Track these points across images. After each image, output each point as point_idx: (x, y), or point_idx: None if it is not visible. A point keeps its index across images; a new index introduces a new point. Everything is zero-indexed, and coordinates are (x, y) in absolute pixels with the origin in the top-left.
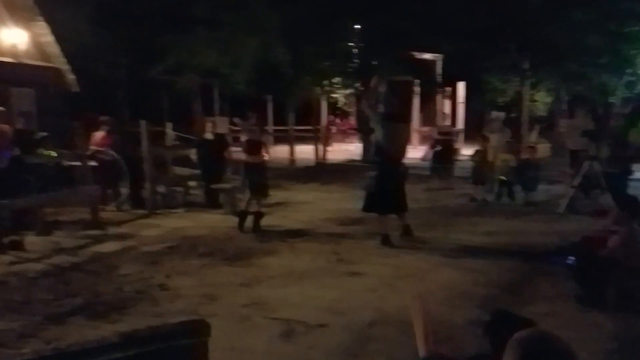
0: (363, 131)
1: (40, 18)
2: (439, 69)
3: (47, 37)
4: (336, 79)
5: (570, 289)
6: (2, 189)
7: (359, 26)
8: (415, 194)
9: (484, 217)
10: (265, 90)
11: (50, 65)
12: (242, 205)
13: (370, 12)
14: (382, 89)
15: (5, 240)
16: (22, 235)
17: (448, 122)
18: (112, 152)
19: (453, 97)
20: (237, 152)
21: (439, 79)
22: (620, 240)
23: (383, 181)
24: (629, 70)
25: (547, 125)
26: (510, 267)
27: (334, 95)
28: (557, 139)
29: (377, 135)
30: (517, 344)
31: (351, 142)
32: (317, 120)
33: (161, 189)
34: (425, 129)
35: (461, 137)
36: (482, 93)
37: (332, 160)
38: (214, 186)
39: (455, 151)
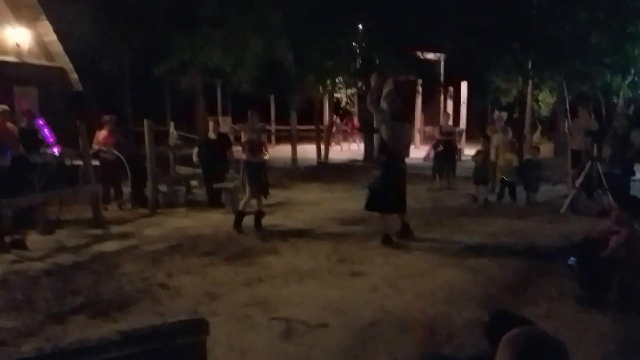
0: (366, 130)
1: (44, 17)
2: (442, 68)
3: (51, 36)
4: (339, 78)
5: (572, 289)
6: (5, 188)
7: (362, 25)
8: (417, 194)
9: (486, 217)
10: (268, 89)
11: (53, 64)
12: (240, 206)
13: (374, 11)
14: (389, 87)
15: (8, 238)
16: (25, 233)
17: (450, 122)
18: (115, 151)
19: (456, 96)
20: (238, 151)
21: (442, 78)
22: (621, 241)
23: (388, 180)
24: (632, 70)
25: (550, 126)
26: (512, 267)
27: (337, 95)
28: (560, 139)
29: (383, 134)
30: (509, 343)
31: (353, 142)
32: (320, 120)
33: (163, 188)
34: (428, 128)
35: (464, 137)
36: (485, 93)
37: (334, 159)
38: (216, 185)
39: (457, 151)
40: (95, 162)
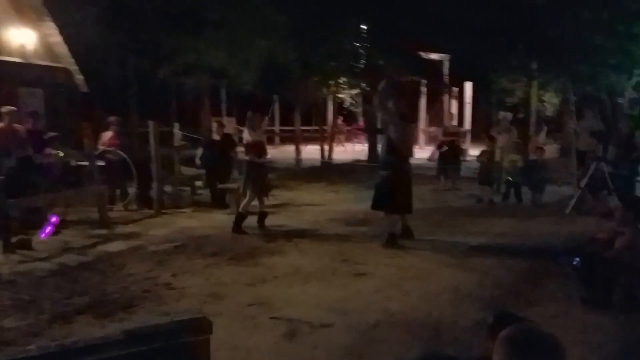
0: (371, 131)
1: (49, 18)
2: (446, 69)
3: (56, 37)
4: (342, 79)
5: (576, 290)
6: (11, 188)
7: (365, 26)
8: (421, 195)
9: (491, 218)
10: (272, 91)
11: (58, 65)
12: (240, 207)
13: (377, 12)
14: (393, 88)
15: (14, 239)
16: (31, 234)
17: (455, 123)
18: (120, 152)
19: (460, 97)
20: (241, 152)
21: (446, 79)
22: (626, 242)
23: (394, 180)
24: (637, 71)
25: (555, 126)
26: (516, 268)
27: (340, 95)
28: (565, 140)
29: (390, 135)
30: (505, 341)
31: (357, 142)
32: (324, 120)
33: (168, 188)
34: (432, 129)
35: (468, 137)
36: (490, 93)
37: (338, 160)
38: (220, 186)
39: (462, 152)
40: (101, 163)
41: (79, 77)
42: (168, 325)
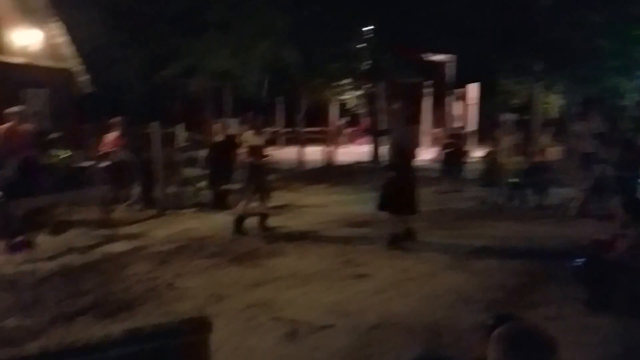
0: (375, 133)
1: (55, 19)
2: (450, 70)
3: (61, 38)
4: (345, 81)
5: (578, 292)
6: (14, 189)
7: (369, 28)
8: (424, 196)
9: (494, 219)
10: (275, 93)
11: (64, 66)
12: (240, 208)
13: (381, 14)
14: (399, 90)
15: (17, 239)
16: (34, 234)
17: (459, 124)
18: (124, 153)
19: (464, 99)
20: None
21: (451, 80)
22: (628, 244)
23: (400, 182)
24: None
25: (559, 128)
26: (518, 270)
27: (343, 97)
28: (569, 142)
29: (398, 137)
30: (498, 339)
31: (360, 144)
32: (327, 122)
33: (171, 189)
34: (436, 130)
35: (473, 139)
36: (494, 95)
37: (340, 161)
38: (223, 187)
39: (465, 153)
40: (105, 164)
41: (84, 78)
42: (168, 325)
